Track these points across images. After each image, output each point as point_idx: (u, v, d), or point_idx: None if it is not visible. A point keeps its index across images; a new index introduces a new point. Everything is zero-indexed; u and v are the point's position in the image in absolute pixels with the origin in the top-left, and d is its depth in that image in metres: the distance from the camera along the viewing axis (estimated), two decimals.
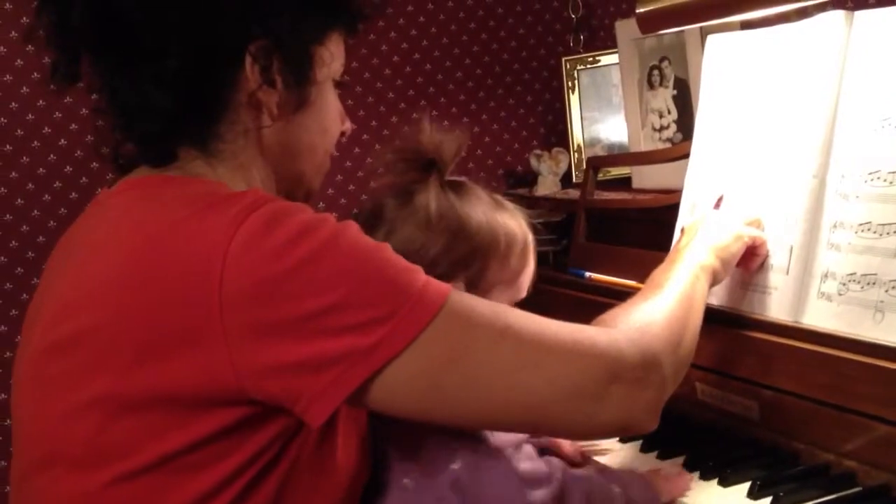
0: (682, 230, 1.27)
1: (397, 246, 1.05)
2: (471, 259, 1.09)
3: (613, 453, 1.30)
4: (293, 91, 1.00)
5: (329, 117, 1.07)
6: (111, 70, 0.98)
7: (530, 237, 1.17)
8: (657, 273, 1.17)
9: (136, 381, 0.86)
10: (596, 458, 1.28)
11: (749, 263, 1.28)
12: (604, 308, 1.48)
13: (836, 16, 1.27)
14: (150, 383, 0.85)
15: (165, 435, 0.86)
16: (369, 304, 0.86)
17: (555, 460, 1.11)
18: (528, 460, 1.07)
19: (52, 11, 0.95)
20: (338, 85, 1.09)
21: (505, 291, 1.13)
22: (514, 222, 1.14)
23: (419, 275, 0.91)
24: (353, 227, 0.91)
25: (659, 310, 1.06)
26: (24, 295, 1.99)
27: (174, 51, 0.93)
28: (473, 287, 1.09)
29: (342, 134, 1.12)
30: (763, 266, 1.28)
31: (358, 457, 1.01)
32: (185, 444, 0.86)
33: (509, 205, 1.17)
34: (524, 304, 1.15)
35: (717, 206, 1.35)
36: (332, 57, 1.05)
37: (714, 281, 1.18)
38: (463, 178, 1.15)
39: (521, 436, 1.08)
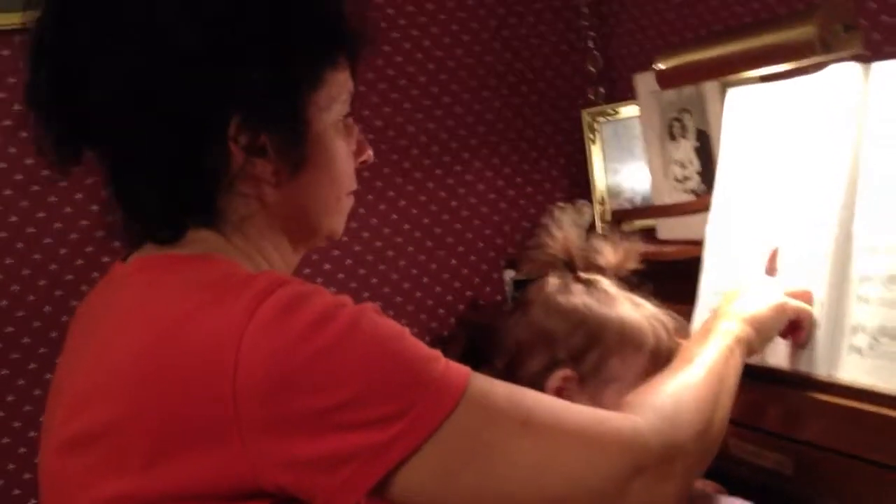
0: (722, 296, 1.24)
1: (524, 331, 1.17)
2: (587, 351, 1.13)
3: None
4: (287, 156, 0.95)
5: (338, 166, 1.02)
6: (97, 158, 0.97)
7: (663, 342, 1.17)
8: (689, 344, 1.13)
9: (153, 479, 0.84)
10: None
11: (795, 337, 1.24)
12: None
13: (852, 67, 1.28)
14: (168, 481, 0.84)
15: None
16: (386, 397, 0.84)
17: None
18: None
19: (34, 109, 0.95)
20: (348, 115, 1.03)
21: (624, 390, 1.11)
22: (646, 322, 1.17)
23: (438, 363, 0.88)
24: (369, 313, 0.88)
25: (688, 391, 1.02)
26: (32, 364, 2.01)
27: (149, 144, 0.92)
28: (590, 379, 1.13)
29: (363, 163, 1.07)
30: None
31: None
32: None
33: (648, 305, 1.20)
34: None
35: (772, 260, 1.31)
36: (333, 98, 0.99)
37: (749, 354, 1.14)
38: (597, 278, 1.21)
39: None
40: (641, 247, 1.26)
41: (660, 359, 1.15)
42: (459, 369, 0.89)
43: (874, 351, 1.16)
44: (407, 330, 0.91)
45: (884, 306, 1.16)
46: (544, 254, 1.21)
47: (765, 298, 1.19)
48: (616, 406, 1.12)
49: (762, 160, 1.41)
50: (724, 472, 1.34)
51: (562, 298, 1.17)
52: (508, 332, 1.19)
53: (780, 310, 1.19)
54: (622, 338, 1.15)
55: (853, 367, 1.18)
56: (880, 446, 1.10)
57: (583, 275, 1.21)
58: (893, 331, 1.14)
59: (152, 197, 0.95)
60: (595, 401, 1.13)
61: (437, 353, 0.90)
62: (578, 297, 1.17)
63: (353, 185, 1.06)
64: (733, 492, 1.29)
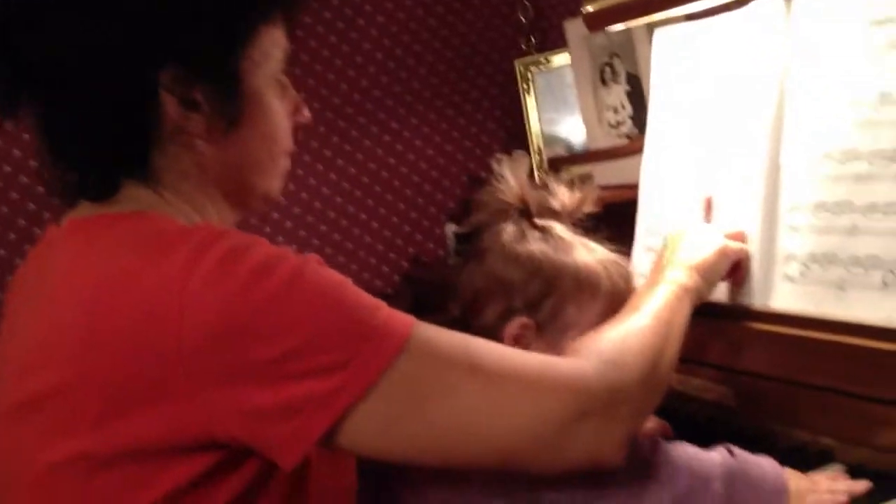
0: (663, 243, 1.24)
1: (482, 279, 1.16)
2: (544, 298, 1.13)
3: None
4: (221, 111, 0.94)
5: (273, 123, 1.00)
6: (32, 112, 0.96)
7: (618, 289, 1.17)
8: (638, 293, 1.14)
9: (106, 437, 0.85)
10: None
11: (735, 277, 1.26)
12: None
13: (775, 1, 1.29)
14: (120, 438, 0.84)
15: (142, 488, 0.85)
16: (330, 347, 0.84)
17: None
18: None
19: None
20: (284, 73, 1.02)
21: (584, 334, 1.12)
22: (600, 267, 1.16)
23: (380, 312, 0.88)
24: (312, 264, 0.89)
25: (634, 336, 1.02)
26: None
27: (81, 94, 0.91)
28: (547, 326, 1.13)
29: (299, 124, 1.05)
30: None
31: None
32: (162, 496, 0.85)
33: (601, 250, 1.20)
34: None
35: (707, 209, 1.33)
36: (266, 55, 0.98)
37: (698, 300, 1.15)
38: (551, 223, 1.20)
39: None
40: (598, 190, 1.26)
41: (615, 304, 1.16)
42: (403, 318, 0.89)
43: (805, 278, 1.19)
44: (349, 280, 0.91)
45: (813, 233, 1.19)
46: (498, 201, 1.20)
47: (708, 244, 1.20)
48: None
49: (691, 98, 1.43)
50: (670, 408, 1.37)
51: (518, 246, 1.17)
52: (464, 280, 1.19)
53: (723, 254, 1.21)
54: (578, 284, 1.15)
55: (787, 295, 1.22)
56: (817, 369, 1.14)
57: (538, 221, 1.20)
58: (823, 257, 1.17)
59: (85, 150, 0.94)
60: (553, 348, 1.14)
61: (380, 302, 0.90)
62: (534, 244, 1.17)
63: (290, 146, 1.05)
64: (680, 428, 1.32)
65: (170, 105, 0.93)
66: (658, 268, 1.18)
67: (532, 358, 0.96)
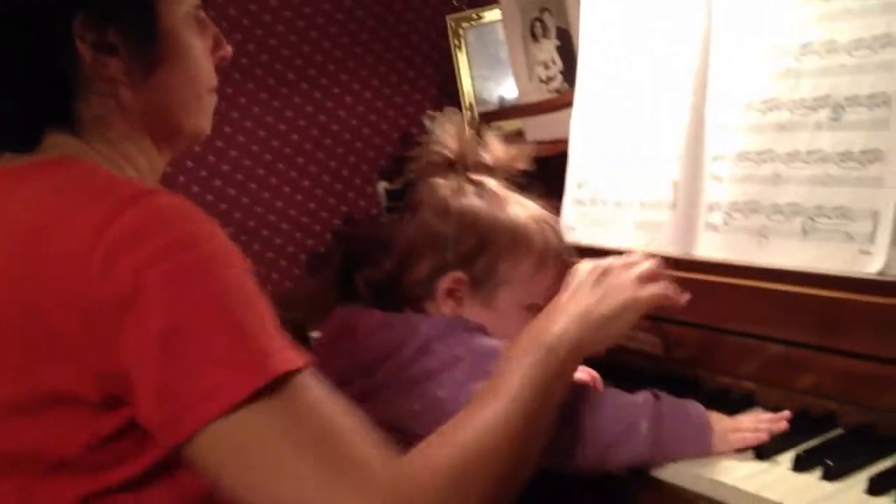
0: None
1: (415, 232, 1.15)
2: (478, 253, 1.14)
3: None
4: (139, 53, 0.92)
5: (194, 61, 0.98)
6: None
7: (552, 241, 1.18)
8: (510, 359, 0.99)
9: (26, 384, 0.83)
10: None
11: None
12: None
13: None
14: (40, 387, 0.83)
15: (64, 437, 0.84)
16: (209, 351, 0.80)
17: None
18: None
19: None
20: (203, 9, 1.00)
21: (517, 291, 1.15)
22: (533, 223, 1.17)
23: (274, 341, 0.83)
24: (233, 260, 0.85)
25: (488, 451, 0.90)
26: None
27: None
28: (481, 281, 1.13)
29: (222, 59, 1.03)
30: (648, 204, 1.32)
31: None
32: (86, 443, 0.84)
33: (533, 206, 1.20)
34: None
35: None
36: None
37: (589, 353, 1.04)
38: (485, 179, 1.20)
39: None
40: (531, 146, 1.26)
41: (548, 261, 1.17)
42: (294, 355, 0.84)
43: (728, 226, 1.21)
44: (263, 300, 0.85)
45: (735, 182, 1.21)
46: (432, 155, 1.20)
47: (616, 292, 1.05)
48: (510, 310, 1.15)
49: (619, 52, 1.44)
50: (599, 359, 1.39)
51: (452, 201, 1.16)
52: (397, 235, 1.19)
53: (630, 309, 1.06)
54: (512, 240, 1.16)
55: (710, 243, 1.24)
56: (739, 316, 1.16)
57: (472, 176, 1.20)
58: (745, 205, 1.19)
59: (5, 101, 0.91)
60: (488, 304, 1.16)
61: (282, 334, 0.85)
62: (470, 199, 1.17)
63: (214, 82, 1.02)
64: (607, 376, 1.34)
65: (85, 52, 0.90)
66: (547, 315, 1.03)
67: (373, 454, 0.85)
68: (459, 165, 1.20)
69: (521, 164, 1.24)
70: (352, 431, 0.85)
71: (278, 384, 0.81)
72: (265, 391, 0.80)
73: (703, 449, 1.02)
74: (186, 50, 0.97)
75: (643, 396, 1.07)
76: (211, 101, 1.03)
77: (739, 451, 1.04)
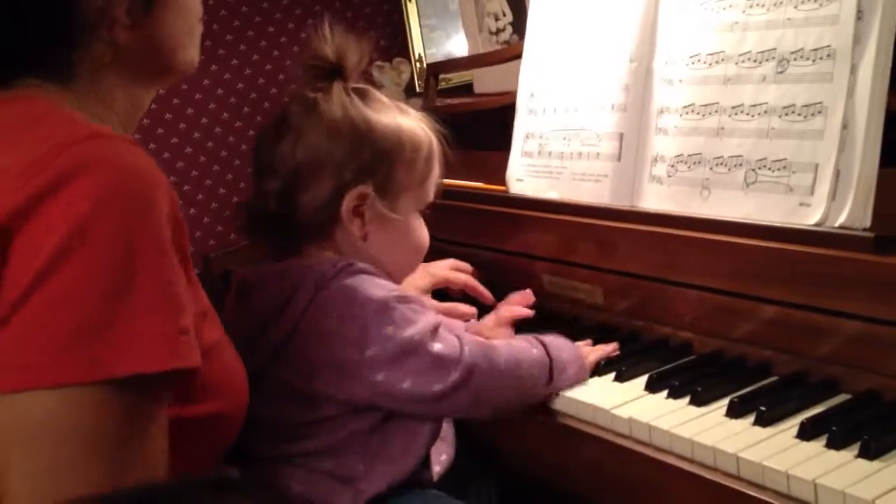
0: None
1: (304, 153, 1.09)
2: (377, 164, 1.10)
3: None
4: None
5: None
6: None
7: (435, 142, 1.17)
8: None
9: None
10: None
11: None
12: (452, 212, 1.52)
13: None
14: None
15: None
16: (83, 313, 0.75)
17: (469, 335, 1.11)
18: (441, 342, 1.06)
19: None
20: None
21: (413, 196, 1.15)
22: (418, 127, 1.15)
23: (171, 324, 0.78)
24: (160, 232, 0.80)
25: None
26: None
27: None
28: (383, 192, 1.11)
29: None
30: (594, 156, 1.32)
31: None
32: None
33: (413, 111, 1.18)
34: None
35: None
36: None
37: None
38: (367, 86, 1.16)
39: (434, 322, 1.07)
40: (370, 44, 1.18)
41: (434, 163, 1.17)
42: (190, 352, 0.80)
43: (672, 178, 1.22)
44: (178, 286, 0.80)
45: (680, 135, 1.22)
46: (313, 66, 1.11)
47: None
48: (409, 217, 1.14)
49: (569, 3, 1.43)
50: (542, 307, 1.40)
51: (342, 113, 1.09)
52: (281, 159, 1.10)
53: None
54: (406, 146, 1.13)
55: (654, 195, 1.24)
56: (679, 266, 1.17)
57: (353, 85, 1.14)
58: (689, 157, 1.20)
59: None
60: (389, 215, 1.12)
61: (187, 327, 0.80)
62: (359, 109, 1.11)
63: (201, 12, 1.01)
64: (546, 325, 1.35)
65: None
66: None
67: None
68: (339, 74, 1.12)
69: (366, 63, 1.16)
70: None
71: (137, 381, 0.76)
72: (123, 382, 0.75)
73: (583, 378, 1.15)
74: None
75: (536, 349, 1.13)
76: (199, 32, 1.01)
77: (674, 397, 1.07)
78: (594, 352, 1.19)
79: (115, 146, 0.82)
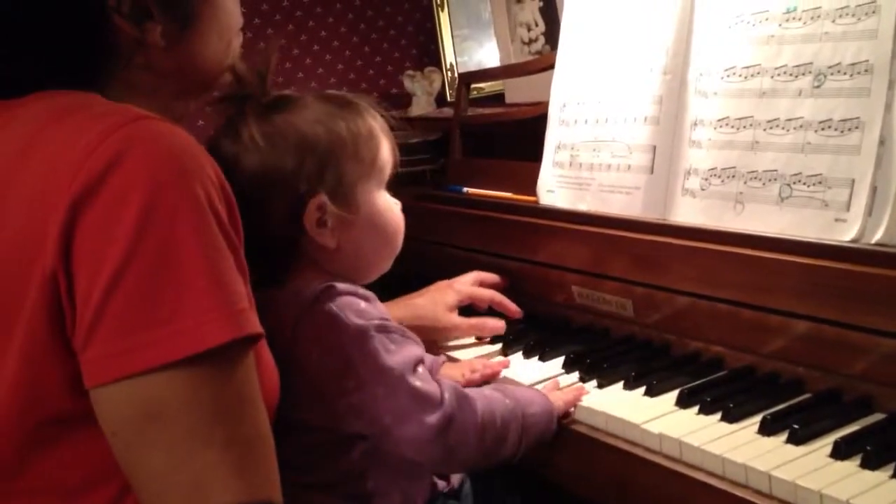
0: None
1: (247, 182, 1.01)
2: (323, 168, 1.05)
3: (494, 357, 1.32)
4: (174, 10, 0.90)
5: (224, 11, 0.95)
6: None
7: (372, 121, 1.10)
8: None
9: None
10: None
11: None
12: (481, 221, 1.52)
13: None
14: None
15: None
16: (181, 289, 0.76)
17: (447, 381, 1.09)
18: (421, 381, 1.04)
19: None
20: None
21: (370, 180, 1.09)
22: (350, 113, 1.09)
23: (237, 300, 0.79)
24: (216, 206, 0.80)
25: None
26: None
27: (17, 19, 0.86)
28: (337, 194, 1.06)
29: None
30: (626, 168, 1.31)
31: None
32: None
33: (344, 97, 1.12)
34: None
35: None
36: None
37: None
38: (287, 91, 1.10)
39: (415, 356, 1.06)
40: (271, 44, 1.12)
41: (376, 135, 1.10)
42: (251, 320, 0.80)
43: (705, 192, 1.21)
44: (226, 258, 0.80)
45: (714, 148, 1.21)
46: (232, 89, 1.05)
47: None
48: (373, 200, 1.09)
49: (602, 14, 1.43)
50: (571, 319, 1.40)
51: (274, 128, 1.04)
52: (239, 177, 1.00)
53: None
54: (343, 137, 1.07)
55: (687, 208, 1.24)
56: (711, 280, 1.16)
57: (276, 92, 1.09)
58: (723, 171, 1.19)
59: (21, 72, 0.87)
60: (353, 210, 1.08)
61: (243, 297, 0.80)
62: (286, 118, 1.05)
63: (241, 22, 0.99)
64: (574, 337, 1.35)
65: (121, 23, 0.87)
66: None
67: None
68: (247, 97, 1.06)
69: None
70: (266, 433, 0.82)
71: (234, 348, 0.78)
72: (220, 351, 0.77)
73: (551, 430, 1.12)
74: (219, 1, 0.94)
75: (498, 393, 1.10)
76: (238, 44, 1.00)
77: (705, 413, 1.05)
78: (563, 397, 1.14)
79: (163, 127, 0.82)
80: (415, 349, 1.07)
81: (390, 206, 1.14)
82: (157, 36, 0.90)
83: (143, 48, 0.90)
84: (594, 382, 1.19)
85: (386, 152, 1.12)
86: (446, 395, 1.03)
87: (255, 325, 0.80)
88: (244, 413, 0.80)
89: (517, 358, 1.33)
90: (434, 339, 1.36)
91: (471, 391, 1.08)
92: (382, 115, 1.13)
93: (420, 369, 1.05)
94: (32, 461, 0.81)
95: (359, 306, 1.05)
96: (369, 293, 1.10)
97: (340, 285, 1.06)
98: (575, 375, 1.23)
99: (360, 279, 1.13)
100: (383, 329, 1.05)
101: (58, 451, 0.81)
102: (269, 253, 1.06)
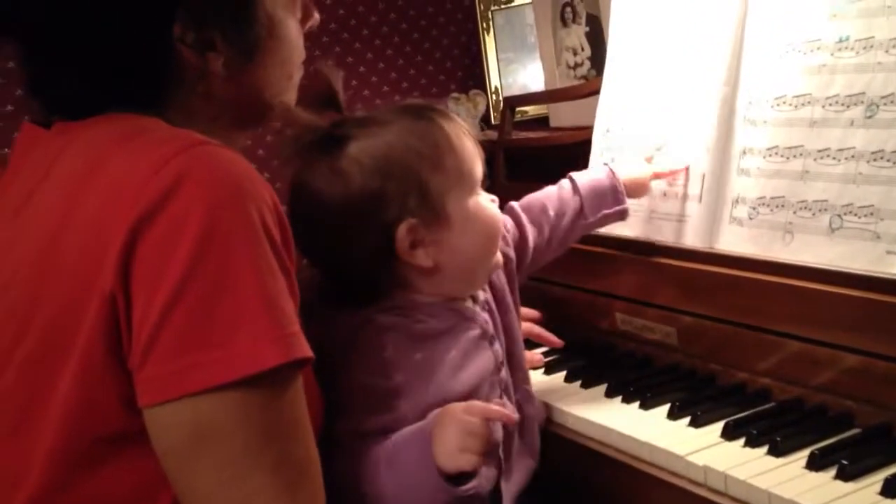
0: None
1: (338, 210, 1.00)
2: (407, 189, 1.02)
3: (539, 387, 1.31)
4: (238, 44, 0.91)
5: (288, 45, 0.96)
6: (25, 55, 0.91)
7: (449, 127, 1.06)
8: None
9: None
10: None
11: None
12: None
13: None
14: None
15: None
16: (238, 312, 0.77)
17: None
18: None
19: None
20: None
21: (460, 189, 1.05)
22: (426, 125, 1.05)
23: (290, 326, 0.80)
24: (272, 232, 0.81)
25: None
26: None
27: (83, 46, 0.87)
28: (426, 212, 1.02)
29: (311, 29, 1.00)
30: (673, 195, 1.31)
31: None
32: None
33: (417, 106, 1.09)
34: None
35: None
36: None
37: None
38: (359, 113, 1.08)
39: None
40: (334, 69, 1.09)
41: (455, 142, 1.05)
42: (301, 344, 0.81)
43: (753, 221, 1.20)
44: (278, 283, 0.81)
45: (763, 177, 1.20)
46: (312, 131, 1.03)
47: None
48: (467, 210, 1.05)
49: (650, 40, 1.42)
50: (614, 345, 1.39)
51: (358, 154, 1.01)
52: (315, 230, 1.02)
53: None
54: (423, 151, 1.03)
55: (734, 237, 1.22)
56: (758, 310, 1.15)
57: (349, 114, 1.06)
58: (772, 200, 1.18)
59: (83, 90, 0.89)
60: (446, 226, 1.05)
61: (296, 320, 0.81)
62: (364, 142, 1.02)
63: (303, 57, 1.00)
64: (617, 364, 1.33)
65: (185, 52, 0.89)
66: None
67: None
68: (333, 133, 1.04)
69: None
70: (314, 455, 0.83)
71: (285, 371, 0.79)
72: (272, 373, 0.77)
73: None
74: (283, 33, 0.95)
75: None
76: (299, 76, 1.00)
77: (751, 446, 1.04)
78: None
79: (221, 152, 0.83)
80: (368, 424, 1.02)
81: (482, 208, 1.08)
82: (220, 66, 0.91)
83: (205, 77, 0.91)
84: (636, 404, 1.19)
85: (470, 156, 1.07)
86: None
87: (305, 350, 0.81)
88: (293, 435, 0.81)
89: (558, 383, 1.32)
90: None
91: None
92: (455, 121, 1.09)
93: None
94: (83, 477, 0.82)
95: (382, 354, 1.03)
96: (442, 323, 1.07)
97: (381, 317, 1.04)
98: (617, 402, 1.22)
99: (468, 290, 1.11)
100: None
101: (109, 467, 0.82)
102: (362, 284, 1.05)
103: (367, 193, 1.01)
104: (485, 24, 2.26)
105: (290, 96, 1.00)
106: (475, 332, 1.10)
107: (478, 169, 1.08)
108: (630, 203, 1.28)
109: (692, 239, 1.28)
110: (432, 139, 1.04)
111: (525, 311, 1.43)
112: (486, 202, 1.09)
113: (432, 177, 1.03)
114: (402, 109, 1.08)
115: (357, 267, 1.05)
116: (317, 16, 1.01)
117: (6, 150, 1.92)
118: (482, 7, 2.25)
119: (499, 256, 1.13)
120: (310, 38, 1.08)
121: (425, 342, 1.06)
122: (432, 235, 1.04)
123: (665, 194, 1.33)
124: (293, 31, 0.97)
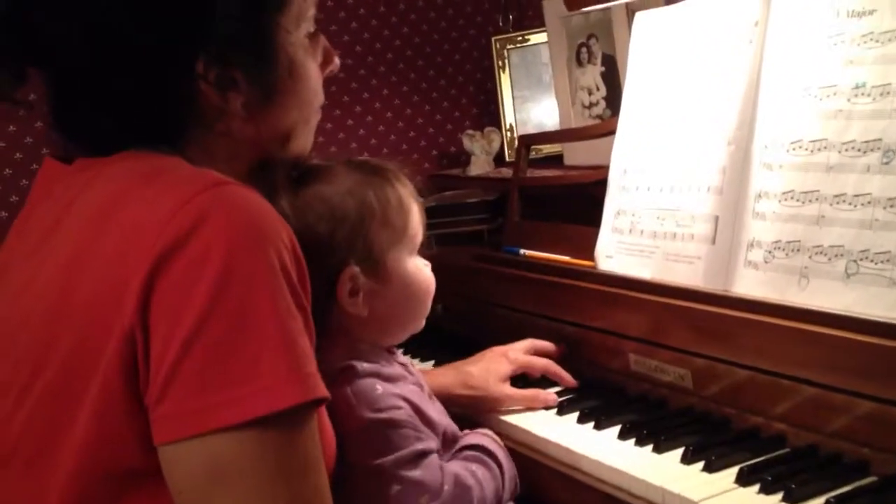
0: None
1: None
2: (354, 239, 1.07)
3: (552, 428, 1.31)
4: (259, 85, 0.92)
5: (308, 88, 0.97)
6: (50, 88, 0.92)
7: (401, 188, 1.12)
8: None
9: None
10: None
11: None
12: (537, 284, 1.52)
13: None
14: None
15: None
16: (257, 351, 0.77)
17: (451, 470, 1.10)
18: (421, 470, 1.07)
19: None
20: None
21: (400, 249, 1.11)
22: (380, 181, 1.10)
23: (308, 365, 0.80)
24: (290, 271, 0.82)
25: None
26: None
27: (108, 78, 0.88)
28: (368, 264, 1.08)
29: (331, 73, 1.02)
30: (688, 237, 1.31)
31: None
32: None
33: (373, 164, 1.13)
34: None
35: None
36: (300, 17, 0.95)
37: None
38: (316, 161, 1.11)
39: (418, 451, 1.07)
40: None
41: (404, 205, 1.11)
42: (317, 383, 0.81)
43: (768, 264, 1.20)
44: (298, 322, 0.82)
45: (779, 221, 1.20)
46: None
47: None
48: (405, 269, 1.12)
49: (666, 82, 1.43)
50: (626, 387, 1.38)
51: (304, 202, 1.05)
52: None
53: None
54: (373, 205, 1.08)
55: (749, 280, 1.22)
56: (773, 355, 1.14)
57: (306, 163, 1.08)
58: (787, 244, 1.18)
59: (104, 123, 0.90)
60: (384, 280, 1.10)
61: (299, 359, 0.80)
62: (317, 190, 1.06)
63: (322, 100, 1.01)
64: (632, 406, 1.33)
65: (206, 90, 0.90)
66: None
67: None
68: (273, 169, 1.05)
69: None
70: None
71: (302, 410, 0.79)
72: (289, 413, 0.78)
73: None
74: (303, 75, 0.96)
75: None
76: (316, 120, 1.02)
77: (766, 493, 1.03)
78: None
79: (241, 192, 0.83)
80: (421, 444, 1.07)
81: (419, 269, 1.16)
82: (239, 105, 0.92)
83: (225, 116, 0.92)
84: (650, 447, 1.18)
85: (416, 219, 1.14)
86: (446, 487, 1.07)
87: (322, 389, 0.81)
88: (307, 475, 0.81)
89: (570, 424, 1.31)
90: (484, 409, 1.35)
91: (470, 479, 1.11)
92: (411, 182, 1.15)
93: (425, 460, 1.07)
94: None
95: (374, 393, 1.07)
96: (395, 370, 1.13)
97: (362, 366, 1.09)
98: (630, 444, 1.21)
99: (388, 342, 1.17)
100: (391, 424, 1.06)
101: (121, 502, 0.82)
102: None
103: (317, 237, 1.04)
104: (500, 63, 2.28)
105: (307, 139, 1.01)
106: (415, 382, 1.15)
107: (420, 233, 1.15)
108: (642, 242, 1.28)
109: (707, 281, 1.27)
110: (385, 197, 1.10)
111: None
112: (423, 265, 1.17)
113: (380, 231, 1.09)
114: (361, 164, 1.13)
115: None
116: (337, 61, 1.03)
117: (25, 181, 1.95)
118: (498, 45, 2.28)
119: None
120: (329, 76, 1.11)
121: (396, 383, 1.11)
122: (371, 286, 1.09)
123: (675, 235, 1.33)
124: (313, 75, 0.98)
